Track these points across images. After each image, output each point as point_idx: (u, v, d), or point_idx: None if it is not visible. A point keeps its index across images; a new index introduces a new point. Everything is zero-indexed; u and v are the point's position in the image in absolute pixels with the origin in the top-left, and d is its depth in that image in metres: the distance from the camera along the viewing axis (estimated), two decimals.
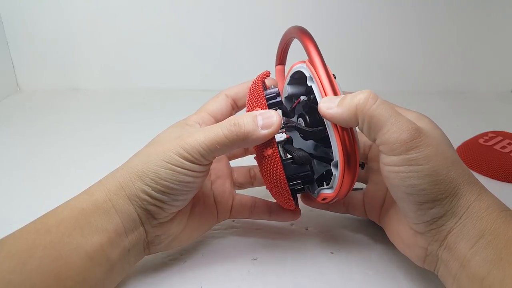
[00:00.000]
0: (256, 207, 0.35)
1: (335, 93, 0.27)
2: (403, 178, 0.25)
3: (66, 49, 0.73)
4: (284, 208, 0.33)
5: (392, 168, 0.25)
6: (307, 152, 0.29)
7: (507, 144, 0.49)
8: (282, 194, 0.30)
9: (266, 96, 0.30)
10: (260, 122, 0.27)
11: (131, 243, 0.28)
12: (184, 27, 0.72)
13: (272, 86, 0.32)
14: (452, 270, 0.25)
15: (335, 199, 0.29)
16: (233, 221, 0.38)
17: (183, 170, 0.27)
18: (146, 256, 0.33)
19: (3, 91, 0.72)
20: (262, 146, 0.29)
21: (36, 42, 0.72)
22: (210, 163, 0.29)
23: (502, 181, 0.45)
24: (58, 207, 0.27)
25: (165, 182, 0.27)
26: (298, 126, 0.31)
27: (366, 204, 0.34)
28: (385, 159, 0.25)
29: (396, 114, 0.25)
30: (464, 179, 0.25)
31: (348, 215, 0.37)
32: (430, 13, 0.70)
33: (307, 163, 0.29)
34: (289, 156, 0.29)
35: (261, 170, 0.30)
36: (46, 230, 0.25)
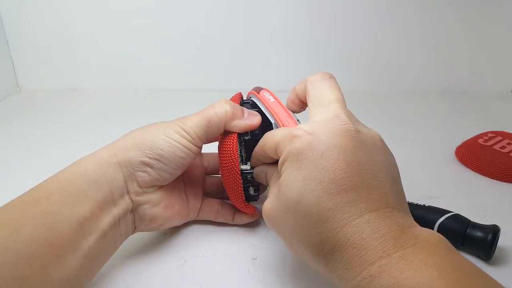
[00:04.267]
0: (222, 209, 0.37)
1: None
2: None
3: (66, 49, 0.73)
4: (243, 212, 0.36)
5: None
6: None
7: (507, 144, 0.49)
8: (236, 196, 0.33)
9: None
10: (246, 114, 0.33)
11: (120, 213, 0.29)
12: (184, 27, 0.72)
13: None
14: None
15: None
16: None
17: (179, 145, 0.30)
18: (146, 256, 0.33)
19: (3, 91, 0.72)
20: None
21: (36, 42, 0.72)
22: (200, 148, 0.32)
23: (502, 181, 0.45)
24: (45, 180, 0.27)
25: (161, 152, 0.30)
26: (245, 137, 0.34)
27: None
28: None
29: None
30: (307, 257, 0.24)
31: None
32: (430, 13, 0.70)
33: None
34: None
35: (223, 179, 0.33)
36: (36, 201, 0.25)
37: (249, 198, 0.35)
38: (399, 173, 0.26)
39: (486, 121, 0.61)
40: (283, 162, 0.26)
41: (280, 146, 0.27)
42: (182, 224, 0.37)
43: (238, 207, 0.35)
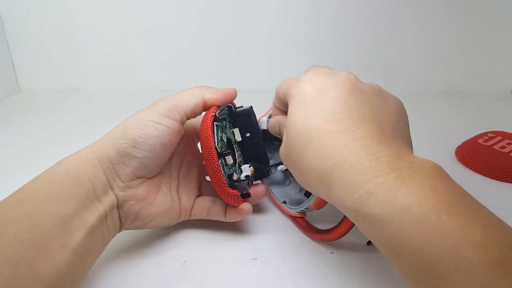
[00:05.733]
0: (214, 207, 0.35)
1: None
2: None
3: (66, 49, 0.73)
4: (236, 208, 0.34)
5: None
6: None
7: (507, 144, 0.49)
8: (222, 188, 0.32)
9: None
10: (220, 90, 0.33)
11: (106, 209, 0.28)
12: (184, 27, 0.72)
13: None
14: None
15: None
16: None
17: (152, 122, 0.30)
18: (146, 256, 0.33)
19: (3, 91, 0.72)
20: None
21: (36, 42, 0.72)
22: (178, 122, 0.31)
23: (502, 181, 0.45)
24: (27, 183, 0.27)
25: (134, 137, 0.29)
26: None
27: None
28: None
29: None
30: (312, 185, 0.26)
31: None
32: (430, 13, 0.70)
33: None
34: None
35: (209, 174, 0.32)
36: (19, 203, 0.25)
37: (235, 187, 0.33)
38: (404, 122, 0.29)
39: (486, 121, 0.61)
40: (290, 101, 0.28)
41: (289, 88, 0.29)
42: (182, 224, 0.37)
43: (222, 196, 0.33)
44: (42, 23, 0.71)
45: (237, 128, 0.36)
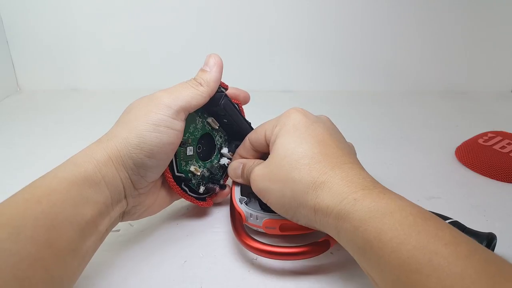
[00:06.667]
0: None
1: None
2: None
3: (66, 49, 0.73)
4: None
5: None
6: None
7: (507, 144, 0.49)
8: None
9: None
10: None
11: (116, 214, 0.29)
12: (184, 27, 0.72)
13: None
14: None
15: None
16: None
17: (166, 129, 0.30)
18: (146, 256, 0.33)
19: (3, 91, 0.72)
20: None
21: (36, 42, 0.72)
22: (184, 123, 0.32)
23: (502, 181, 0.45)
24: (44, 177, 0.26)
25: (150, 147, 0.29)
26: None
27: None
28: None
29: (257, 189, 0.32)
30: (298, 195, 0.28)
31: None
32: (430, 13, 0.70)
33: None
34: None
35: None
36: (36, 200, 0.24)
37: (206, 192, 0.37)
38: None
39: (486, 121, 0.61)
40: (278, 132, 0.31)
41: (272, 125, 0.32)
42: (183, 224, 0.37)
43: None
44: (42, 23, 0.71)
45: (212, 118, 0.37)
